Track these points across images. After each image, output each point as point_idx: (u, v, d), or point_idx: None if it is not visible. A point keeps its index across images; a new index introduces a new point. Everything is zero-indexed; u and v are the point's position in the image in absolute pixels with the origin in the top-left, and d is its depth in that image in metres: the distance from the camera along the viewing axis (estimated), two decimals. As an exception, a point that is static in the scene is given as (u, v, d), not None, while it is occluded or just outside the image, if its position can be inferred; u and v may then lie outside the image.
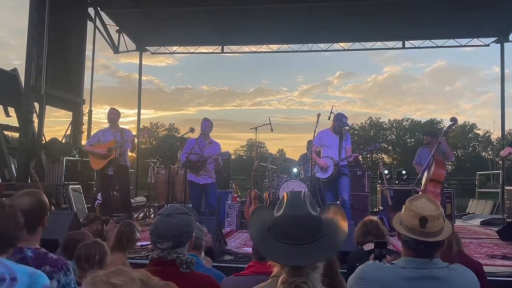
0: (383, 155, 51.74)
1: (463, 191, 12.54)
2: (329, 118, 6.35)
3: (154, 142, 52.70)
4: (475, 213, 9.81)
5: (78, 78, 9.44)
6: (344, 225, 1.48)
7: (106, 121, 6.77)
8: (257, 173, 8.65)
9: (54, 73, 8.41)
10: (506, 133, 12.52)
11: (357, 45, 11.58)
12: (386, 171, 8.09)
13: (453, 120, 6.36)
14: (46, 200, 2.14)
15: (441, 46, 11.10)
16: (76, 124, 9.38)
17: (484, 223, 8.13)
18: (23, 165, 7.68)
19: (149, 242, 3.81)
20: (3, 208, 1.79)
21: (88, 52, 9.93)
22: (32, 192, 2.12)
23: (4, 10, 74.57)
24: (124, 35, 11.17)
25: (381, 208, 8.45)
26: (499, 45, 10.53)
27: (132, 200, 7.61)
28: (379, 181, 8.77)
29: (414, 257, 1.80)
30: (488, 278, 3.09)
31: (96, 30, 10.11)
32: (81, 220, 4.51)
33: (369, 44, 11.56)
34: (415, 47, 11.47)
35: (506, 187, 8.22)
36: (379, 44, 11.35)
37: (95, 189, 8.54)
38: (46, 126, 8.58)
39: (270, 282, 1.46)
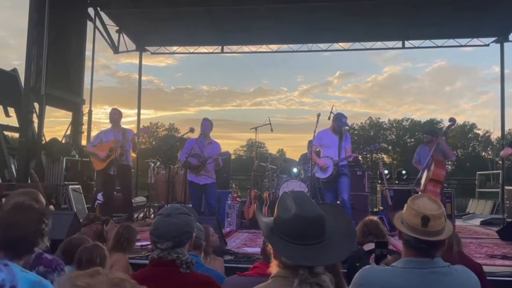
0: (383, 155, 51.78)
1: (463, 191, 12.54)
2: (329, 118, 6.35)
3: (154, 142, 52.73)
4: (475, 213, 9.81)
5: (78, 78, 9.44)
6: (351, 226, 1.51)
7: (106, 121, 6.77)
8: (257, 173, 8.65)
9: (54, 73, 8.41)
10: (506, 133, 12.52)
11: (357, 45, 11.58)
12: (386, 171, 8.09)
13: (452, 120, 6.37)
14: (43, 199, 2.12)
15: (441, 46, 11.10)
16: (76, 124, 9.37)
17: (484, 223, 8.13)
18: (23, 165, 7.68)
19: (149, 242, 3.81)
20: (30, 212, 1.76)
21: (88, 52, 9.94)
22: (29, 192, 2.11)
23: (4, 10, 74.62)
24: (124, 35, 11.17)
25: (381, 208, 8.45)
26: (499, 45, 10.52)
27: (132, 200, 7.60)
28: (379, 181, 8.76)
29: (415, 256, 1.79)
30: (488, 278, 3.09)
31: (96, 30, 10.11)
32: (81, 220, 4.50)
33: (369, 44, 11.56)
34: (415, 47, 11.46)
35: (506, 187, 8.22)
36: (379, 44, 11.35)
37: (95, 189, 8.53)
38: (46, 126, 8.60)
39: (271, 282, 1.46)
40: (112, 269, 3.07)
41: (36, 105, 8.14)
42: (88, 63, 9.99)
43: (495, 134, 43.46)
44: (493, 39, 10.60)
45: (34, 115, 8.09)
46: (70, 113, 9.46)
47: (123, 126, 6.81)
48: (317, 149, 6.39)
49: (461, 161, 45.07)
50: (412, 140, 50.78)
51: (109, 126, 6.71)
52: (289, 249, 1.40)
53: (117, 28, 10.89)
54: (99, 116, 59.28)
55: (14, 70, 9.06)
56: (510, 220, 7.21)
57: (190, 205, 6.42)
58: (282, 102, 78.62)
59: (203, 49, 11.96)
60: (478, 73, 70.27)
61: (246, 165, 25.30)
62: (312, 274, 1.36)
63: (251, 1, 9.43)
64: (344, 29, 10.56)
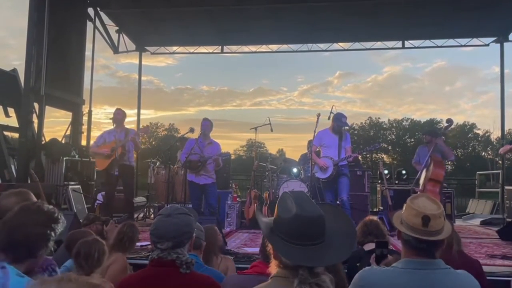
0: (383, 155, 51.79)
1: (463, 191, 12.55)
2: (328, 118, 6.35)
3: (154, 142, 52.72)
4: (475, 213, 9.81)
5: (77, 78, 9.43)
6: (351, 226, 1.51)
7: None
8: (257, 173, 8.65)
9: (54, 74, 8.41)
10: (505, 133, 12.52)
11: (357, 45, 11.58)
12: (386, 171, 8.09)
13: (449, 121, 6.42)
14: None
15: (441, 46, 11.10)
16: (75, 124, 9.37)
17: (484, 223, 8.12)
18: (23, 166, 7.67)
19: (149, 243, 3.81)
20: (36, 215, 1.70)
21: (88, 52, 9.93)
22: (19, 192, 2.09)
23: (4, 10, 74.60)
24: (124, 35, 11.17)
25: (381, 208, 8.45)
26: (498, 44, 10.53)
27: (133, 201, 7.60)
28: (379, 181, 8.77)
29: (415, 257, 1.79)
30: (488, 278, 3.09)
31: (96, 30, 10.11)
32: (81, 220, 4.50)
33: (369, 44, 11.56)
34: (415, 47, 11.47)
35: (506, 187, 8.22)
36: (379, 44, 11.35)
37: (95, 189, 8.53)
38: (45, 127, 8.59)
39: (271, 283, 1.46)
40: (109, 268, 3.07)
41: (36, 105, 8.14)
42: (88, 63, 10.00)
43: (495, 134, 43.53)
44: (493, 39, 10.60)
45: (34, 115, 8.09)
46: (70, 113, 9.45)
47: (128, 126, 6.84)
48: (317, 149, 6.39)
49: (461, 161, 45.08)
50: (412, 140, 50.80)
51: (111, 126, 6.72)
52: (289, 249, 1.39)
53: (117, 28, 10.89)
54: (99, 116, 59.36)
55: (14, 70, 9.06)
56: (510, 220, 7.21)
57: (190, 205, 6.43)
58: (282, 102, 78.73)
59: (203, 49, 11.96)
60: (478, 73, 70.39)
61: (246, 165, 25.31)
62: (312, 274, 1.36)
63: (251, 1, 9.42)
64: (344, 29, 10.56)
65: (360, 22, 10.04)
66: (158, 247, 1.88)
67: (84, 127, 9.57)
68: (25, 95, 8.00)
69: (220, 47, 11.83)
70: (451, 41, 10.92)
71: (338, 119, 6.17)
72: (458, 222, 8.11)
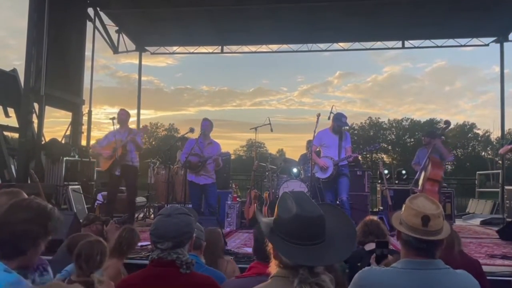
0: (383, 155, 51.81)
1: (463, 191, 12.54)
2: (328, 118, 6.34)
3: (154, 142, 52.72)
4: (475, 212, 9.81)
5: (77, 79, 9.43)
6: (351, 227, 1.53)
7: (106, 121, 6.81)
8: (257, 173, 8.64)
9: (54, 74, 8.41)
10: (505, 133, 12.50)
11: (357, 45, 11.58)
12: (386, 171, 8.09)
13: (447, 123, 6.50)
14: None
15: (441, 46, 11.10)
16: (75, 124, 9.36)
17: (484, 223, 8.12)
18: (23, 166, 7.67)
19: (149, 243, 3.80)
20: (24, 212, 1.69)
21: (88, 52, 9.94)
22: (11, 192, 2.07)
23: (4, 11, 74.60)
24: (124, 35, 11.17)
25: (381, 208, 8.45)
26: (498, 44, 10.53)
27: (135, 201, 7.57)
28: (379, 181, 8.76)
29: (415, 257, 1.78)
30: (488, 278, 3.09)
31: (96, 30, 10.11)
32: (81, 220, 4.50)
33: (368, 44, 11.57)
34: (415, 47, 11.47)
35: (506, 187, 8.21)
36: (379, 44, 11.36)
37: (95, 189, 8.53)
38: (45, 127, 8.59)
39: (271, 282, 1.46)
40: (104, 273, 3.06)
41: (36, 105, 8.14)
42: (88, 63, 10.01)
43: (495, 134, 43.57)
44: (493, 39, 10.61)
45: (34, 115, 8.09)
46: (70, 114, 9.45)
47: (132, 126, 6.82)
48: (317, 149, 6.38)
49: (461, 161, 45.10)
50: (412, 140, 50.83)
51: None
52: (290, 248, 1.40)
53: (117, 28, 10.89)
54: (99, 117, 59.42)
55: (14, 70, 9.06)
56: (510, 219, 7.20)
57: (190, 205, 6.42)
58: (282, 102, 78.80)
59: (203, 49, 11.96)
60: (478, 73, 70.47)
61: (246, 165, 25.32)
62: (312, 274, 1.36)
63: (251, 1, 9.43)
64: (344, 29, 10.56)
65: (360, 22, 10.04)
66: (158, 247, 1.88)
67: (84, 127, 9.57)
68: (25, 95, 8.00)
69: (220, 47, 11.83)
70: (451, 41, 10.93)
71: (338, 119, 6.16)
72: (458, 222, 8.11)
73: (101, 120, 55.12)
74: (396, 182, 8.59)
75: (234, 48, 12.06)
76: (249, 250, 4.93)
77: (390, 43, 11.41)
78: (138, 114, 11.92)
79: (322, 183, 6.32)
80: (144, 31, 11.09)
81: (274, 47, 11.79)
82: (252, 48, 11.97)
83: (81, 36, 9.52)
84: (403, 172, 8.98)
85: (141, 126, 10.84)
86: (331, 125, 6.28)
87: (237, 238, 6.09)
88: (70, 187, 7.64)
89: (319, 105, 68.19)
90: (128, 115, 6.81)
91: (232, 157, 14.95)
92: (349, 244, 1.50)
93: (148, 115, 65.41)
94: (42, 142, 8.21)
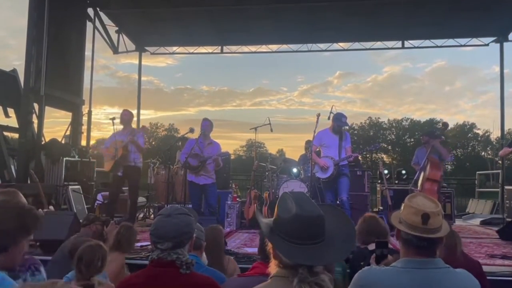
0: (383, 155, 51.81)
1: (462, 191, 12.54)
2: (328, 118, 6.34)
3: (154, 142, 52.70)
4: (475, 212, 9.81)
5: (77, 79, 9.43)
6: (351, 227, 1.53)
7: (105, 121, 6.84)
8: (257, 173, 8.64)
9: (54, 74, 8.41)
10: (505, 133, 12.51)
11: (356, 45, 11.59)
12: (386, 171, 8.09)
13: (444, 125, 6.51)
14: (23, 199, 2.09)
15: (441, 46, 11.11)
16: (75, 124, 9.37)
17: (484, 223, 8.12)
18: (23, 166, 7.67)
19: (149, 243, 3.80)
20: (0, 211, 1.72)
21: (88, 53, 9.95)
22: (7, 192, 2.08)
23: (4, 11, 74.63)
24: (124, 36, 11.17)
25: (381, 208, 8.44)
26: (498, 44, 10.53)
27: (137, 202, 7.55)
28: (379, 181, 8.76)
29: (415, 255, 1.78)
30: (488, 278, 3.09)
31: (96, 31, 10.12)
32: (80, 220, 4.49)
33: (368, 44, 11.57)
34: (415, 47, 11.47)
35: (506, 187, 8.22)
36: (378, 44, 11.36)
37: (95, 189, 8.53)
38: (45, 127, 8.60)
39: (270, 282, 1.46)
40: (108, 267, 3.07)
41: (36, 105, 8.14)
42: (87, 64, 10.01)
43: (495, 134, 43.57)
44: (493, 38, 10.61)
45: (34, 115, 8.09)
46: (70, 114, 9.45)
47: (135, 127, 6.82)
48: (317, 149, 6.38)
49: (460, 161, 45.12)
50: (412, 140, 50.81)
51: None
52: (289, 248, 1.40)
53: (117, 28, 10.90)
54: (99, 117, 59.44)
55: (14, 70, 9.06)
56: (510, 219, 7.21)
57: (190, 206, 6.42)
58: (282, 102, 78.80)
59: (203, 49, 11.97)
60: (477, 73, 70.47)
61: (246, 165, 25.33)
62: (312, 273, 1.36)
63: (251, 1, 9.43)
64: (344, 29, 10.56)
65: (360, 22, 10.04)
66: (158, 248, 1.88)
67: (84, 127, 9.57)
68: (25, 95, 8.00)
69: (220, 47, 11.83)
70: (451, 41, 10.94)
71: (338, 119, 6.17)
72: (458, 222, 8.10)
73: (101, 120, 55.19)
74: (396, 182, 8.58)
75: (234, 48, 12.06)
76: (249, 250, 4.94)
77: (390, 43, 11.42)
78: (138, 114, 11.94)
79: (322, 183, 6.32)
80: (144, 31, 11.09)
81: (274, 47, 11.79)
82: (252, 48, 11.97)
83: (81, 36, 9.53)
84: (403, 172, 8.98)
85: (140, 126, 10.86)
86: (331, 125, 6.28)
87: (237, 238, 6.09)
88: (70, 187, 7.64)
89: (319, 105, 68.27)
90: (131, 116, 6.81)
91: (232, 157, 14.96)
92: (349, 244, 1.51)
93: (148, 115, 65.49)
94: (42, 142, 8.22)
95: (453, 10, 9.42)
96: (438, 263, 1.77)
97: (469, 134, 52.20)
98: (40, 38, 7.99)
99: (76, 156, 8.54)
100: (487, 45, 10.82)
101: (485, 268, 3.19)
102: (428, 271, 1.74)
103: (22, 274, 1.86)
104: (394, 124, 55.36)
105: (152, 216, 8.20)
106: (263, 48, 11.86)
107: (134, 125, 7.24)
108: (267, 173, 7.99)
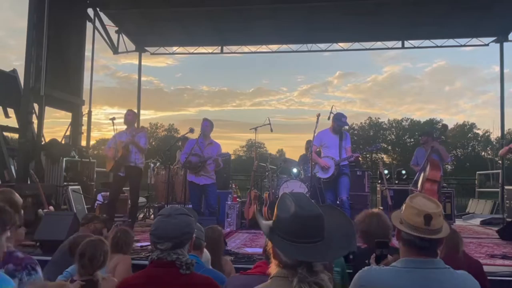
0: (383, 155, 51.82)
1: (463, 191, 12.55)
2: (328, 118, 6.35)
3: (154, 143, 52.70)
4: (475, 212, 9.81)
5: (77, 79, 9.43)
6: (350, 225, 1.54)
7: (105, 122, 6.84)
8: (257, 173, 8.64)
9: (54, 74, 8.40)
10: (505, 133, 12.52)
11: (356, 45, 11.58)
12: (386, 171, 8.09)
13: (443, 127, 6.54)
14: (18, 198, 2.09)
15: (441, 46, 11.10)
16: (75, 125, 9.36)
17: (484, 223, 8.13)
18: (23, 166, 7.67)
19: (149, 243, 3.80)
20: None
21: (88, 53, 9.94)
22: (2, 191, 2.08)
23: (4, 11, 74.65)
24: (124, 36, 11.17)
25: (381, 208, 8.43)
26: (498, 44, 10.53)
27: (138, 203, 7.54)
28: (379, 181, 8.75)
29: (416, 256, 1.78)
30: (488, 277, 3.09)
31: (96, 31, 10.11)
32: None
33: (368, 44, 11.57)
34: (415, 47, 11.47)
35: (506, 187, 8.22)
36: (378, 44, 11.36)
37: (95, 189, 8.52)
38: (45, 127, 8.59)
39: (270, 283, 1.46)
40: (116, 269, 3.07)
41: (36, 106, 8.13)
42: (87, 64, 10.00)
43: (495, 134, 43.60)
44: (493, 38, 10.60)
45: (34, 116, 8.08)
46: (70, 114, 9.45)
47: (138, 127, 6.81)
48: (318, 149, 6.39)
49: (460, 161, 45.14)
50: (412, 140, 50.80)
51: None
52: (289, 246, 1.41)
53: (117, 28, 10.89)
54: (99, 117, 59.47)
55: (14, 71, 9.05)
56: (510, 219, 7.21)
57: (190, 206, 6.42)
58: (282, 102, 78.82)
59: (203, 49, 11.97)
60: (477, 73, 70.53)
61: (246, 165, 25.35)
62: (311, 273, 1.37)
63: (251, 1, 9.42)
64: (344, 29, 10.55)
65: (360, 22, 10.04)
66: (158, 248, 1.88)
67: (84, 127, 9.56)
68: (25, 95, 8.00)
69: (220, 47, 11.82)
70: (451, 41, 10.93)
71: (338, 119, 6.17)
72: (458, 222, 8.10)
73: (101, 121, 55.30)
74: (396, 182, 8.58)
75: (234, 48, 12.05)
76: (249, 250, 4.94)
77: (390, 43, 11.41)
78: (138, 115, 11.90)
79: (322, 183, 6.33)
80: (144, 31, 11.08)
81: (274, 47, 11.79)
82: (252, 48, 11.97)
83: (81, 36, 9.52)
84: (403, 172, 8.97)
85: (140, 126, 10.87)
86: (331, 125, 6.29)
87: (237, 239, 6.09)
88: (70, 187, 7.63)
89: (319, 105, 68.33)
90: (135, 116, 6.81)
91: (232, 157, 14.95)
92: (348, 242, 1.51)
93: (148, 115, 65.62)
94: (42, 143, 8.21)
95: (453, 10, 9.41)
96: (439, 264, 1.77)
97: (469, 134, 52.21)
98: (40, 38, 7.98)
99: (76, 157, 8.54)
100: (487, 45, 10.81)
101: (486, 268, 3.19)
102: (428, 271, 1.74)
103: (18, 273, 1.86)
104: (394, 124, 55.39)
105: (152, 216, 8.21)
106: (263, 48, 11.85)
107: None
108: (267, 173, 7.99)
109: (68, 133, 9.38)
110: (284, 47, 11.74)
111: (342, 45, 11.65)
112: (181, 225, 1.91)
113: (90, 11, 9.88)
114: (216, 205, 6.63)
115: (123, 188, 7.11)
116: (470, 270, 1.84)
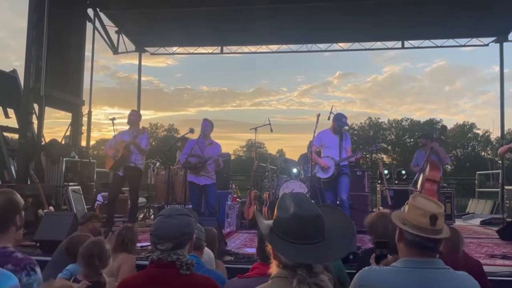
0: (383, 155, 51.82)
1: (462, 191, 12.54)
2: (328, 119, 6.35)
3: (154, 143, 52.70)
4: (475, 212, 9.81)
5: (77, 79, 9.42)
6: (350, 225, 1.54)
7: (105, 122, 6.82)
8: (257, 173, 8.63)
9: (54, 74, 8.40)
10: (505, 133, 12.52)
11: (356, 45, 11.59)
12: (386, 171, 8.10)
13: (443, 128, 6.54)
14: (19, 199, 2.08)
15: (441, 46, 11.10)
16: (75, 125, 9.36)
17: (484, 223, 8.13)
18: (23, 167, 7.66)
19: (149, 243, 3.80)
20: None
21: (88, 53, 9.94)
22: (4, 191, 2.08)
23: (3, 11, 74.65)
24: (124, 36, 11.17)
25: (381, 208, 8.44)
26: (498, 44, 10.53)
27: (137, 203, 7.54)
28: (379, 181, 8.76)
29: (418, 256, 1.78)
30: (488, 278, 3.09)
31: (96, 31, 10.11)
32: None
33: (368, 44, 11.57)
34: (415, 47, 11.48)
35: (506, 187, 8.21)
36: (378, 44, 11.36)
37: (95, 190, 8.52)
38: (45, 127, 8.58)
39: (270, 283, 1.46)
40: (120, 269, 3.07)
41: (36, 106, 8.13)
42: (87, 64, 10.00)
43: (495, 134, 43.60)
44: (493, 38, 10.61)
45: (34, 116, 8.08)
46: (70, 114, 9.45)
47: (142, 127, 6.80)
48: (318, 149, 6.39)
49: (460, 161, 45.17)
50: (412, 140, 50.81)
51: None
52: (288, 247, 1.40)
53: (117, 28, 10.89)
54: (99, 117, 59.47)
55: (14, 71, 9.05)
56: (510, 219, 7.21)
57: (190, 206, 6.42)
58: (282, 103, 78.80)
59: (203, 49, 11.96)
60: (477, 73, 70.52)
61: (246, 165, 25.35)
62: (311, 274, 1.36)
63: (251, 1, 9.42)
64: (344, 29, 10.56)
65: (360, 22, 10.04)
66: (158, 248, 1.88)
67: (84, 127, 9.56)
68: (25, 96, 7.99)
69: (220, 47, 11.83)
70: (450, 41, 10.94)
71: (339, 119, 6.18)
72: (458, 222, 8.11)
73: (101, 121, 55.31)
74: (396, 182, 8.58)
75: (234, 48, 12.05)
76: (249, 250, 4.94)
77: (390, 43, 11.41)
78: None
79: (322, 183, 6.33)
80: (143, 31, 11.08)
81: (274, 47, 11.79)
82: (252, 48, 11.97)
83: (81, 36, 9.52)
84: (403, 172, 8.98)
85: (140, 126, 10.86)
86: (331, 125, 6.29)
87: (237, 239, 6.09)
88: (70, 187, 7.63)
89: (319, 105, 68.32)
90: (138, 117, 6.79)
91: (232, 157, 14.95)
92: (348, 243, 1.51)
93: (148, 115, 65.59)
94: (42, 143, 8.20)
95: (453, 10, 9.42)
96: (438, 264, 1.77)
97: (469, 134, 52.21)
98: (40, 38, 7.98)
99: (76, 157, 8.54)
100: (487, 45, 10.82)
101: (486, 268, 3.19)
102: (428, 271, 1.74)
103: (17, 273, 1.86)
104: (394, 124, 55.39)
105: (152, 216, 8.21)
106: (263, 48, 11.85)
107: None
108: (267, 174, 7.99)
109: (68, 133, 9.38)
110: (284, 47, 11.74)
111: (342, 45, 11.66)
112: (181, 225, 1.91)
113: (90, 11, 9.88)
114: (216, 205, 6.63)
115: (123, 189, 7.11)
116: (470, 270, 1.84)
